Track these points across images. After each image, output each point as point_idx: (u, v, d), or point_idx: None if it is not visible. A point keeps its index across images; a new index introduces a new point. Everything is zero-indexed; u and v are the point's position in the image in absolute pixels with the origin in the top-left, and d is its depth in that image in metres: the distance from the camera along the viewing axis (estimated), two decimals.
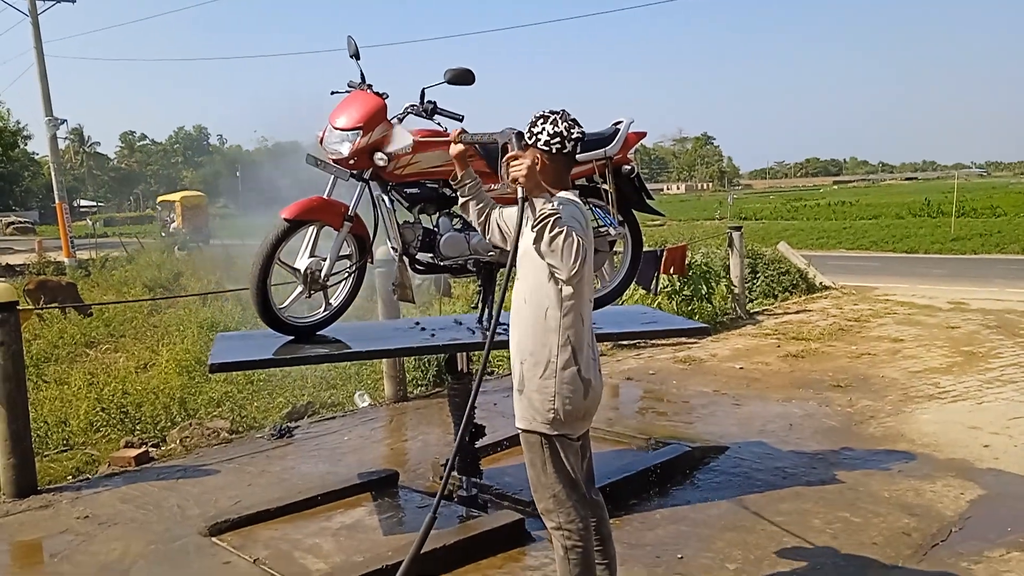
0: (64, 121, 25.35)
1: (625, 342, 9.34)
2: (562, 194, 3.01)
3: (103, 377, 7.90)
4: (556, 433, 3.00)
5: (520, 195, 2.92)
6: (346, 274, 4.44)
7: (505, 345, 3.19)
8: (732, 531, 4.46)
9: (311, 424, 6.85)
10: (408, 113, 4.26)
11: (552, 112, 3.04)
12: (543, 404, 2.98)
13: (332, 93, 4.39)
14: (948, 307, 11.73)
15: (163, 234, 33.77)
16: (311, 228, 4.25)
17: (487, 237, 3.38)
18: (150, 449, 6.14)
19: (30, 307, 11.13)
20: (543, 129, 3.00)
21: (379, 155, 4.14)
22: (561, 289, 2.95)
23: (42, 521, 4.93)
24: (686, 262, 10.81)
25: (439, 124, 4.27)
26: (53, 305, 12.03)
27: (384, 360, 7.45)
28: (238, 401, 7.26)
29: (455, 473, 4.75)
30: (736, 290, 11.62)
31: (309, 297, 4.32)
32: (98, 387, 7.39)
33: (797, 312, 11.88)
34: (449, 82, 4.09)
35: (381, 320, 7.21)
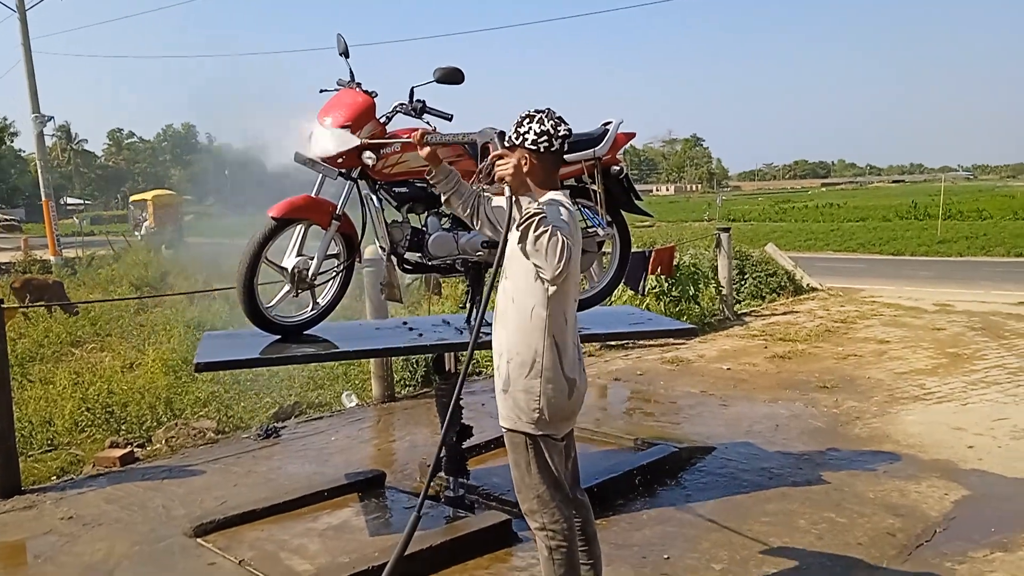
0: (51, 118, 25.14)
1: (613, 343, 9.36)
2: (551, 194, 3.00)
3: (88, 376, 7.85)
4: (540, 433, 3.00)
5: (507, 194, 2.91)
6: (334, 273, 4.43)
7: (491, 345, 3.18)
8: (718, 531, 4.47)
9: (298, 424, 6.83)
10: (397, 112, 4.25)
11: (538, 111, 3.04)
12: (528, 404, 2.98)
13: (321, 91, 4.38)
14: (934, 309, 11.80)
15: (136, 233, 33.68)
16: (299, 227, 4.23)
17: (478, 228, 3.36)
18: (135, 449, 6.10)
19: (15, 305, 11.06)
20: (529, 128, 2.99)
21: (368, 153, 4.13)
22: (547, 289, 2.95)
23: (26, 522, 4.89)
24: (674, 263, 10.84)
25: (428, 123, 4.25)
26: (39, 304, 11.95)
27: (372, 360, 7.43)
28: (224, 401, 7.23)
29: (442, 473, 4.75)
30: (724, 291, 11.65)
31: (296, 296, 4.30)
32: (83, 386, 7.34)
33: (784, 313, 11.92)
34: (438, 81, 4.09)
35: (369, 319, 7.20)
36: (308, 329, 4.48)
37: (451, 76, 4.07)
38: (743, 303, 12.91)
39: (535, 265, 2.88)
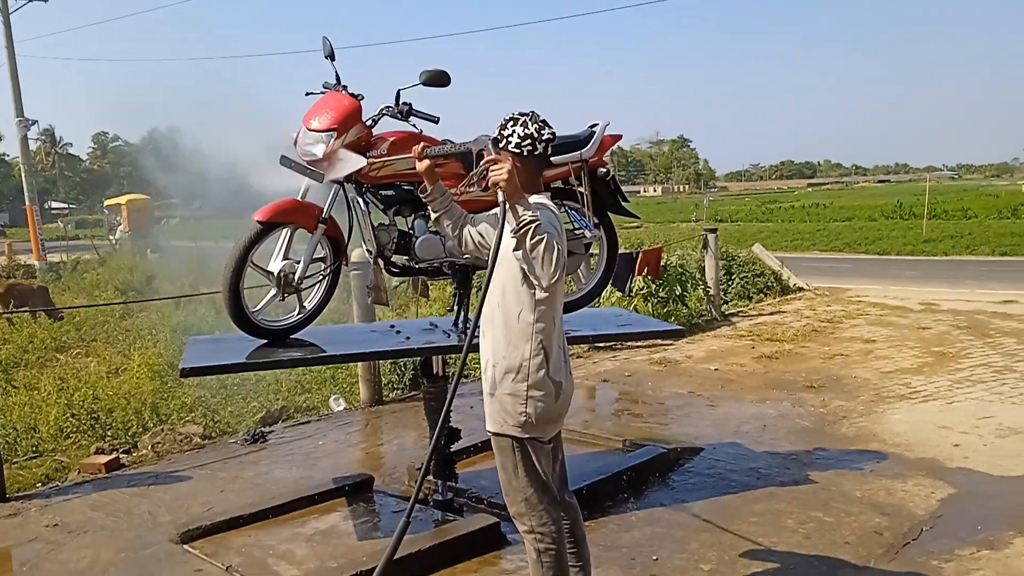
0: (35, 122, 25.04)
1: (601, 344, 9.36)
2: (535, 198, 3.00)
3: (73, 382, 7.79)
4: (527, 436, 3.00)
5: (501, 199, 2.88)
6: (320, 277, 4.41)
7: (470, 347, 3.17)
8: (707, 532, 4.48)
9: (285, 429, 6.80)
10: (383, 115, 4.24)
11: (522, 114, 3.03)
12: (514, 407, 2.98)
13: (307, 94, 4.36)
14: (919, 308, 11.87)
15: (110, 237, 33.62)
16: (285, 230, 4.22)
17: (462, 249, 3.35)
18: (121, 455, 6.07)
19: None
20: (513, 132, 2.99)
21: None
22: (534, 293, 2.95)
23: (11, 529, 4.85)
24: (661, 264, 10.86)
25: (414, 126, 4.25)
26: (23, 309, 11.86)
27: (359, 364, 7.41)
28: (211, 406, 7.19)
29: (430, 477, 4.74)
30: (711, 292, 11.68)
31: (283, 300, 4.28)
32: (68, 392, 7.29)
33: (771, 313, 11.96)
34: (424, 84, 4.08)
35: (356, 323, 7.18)
36: (295, 333, 4.46)
37: (437, 79, 4.06)
38: (730, 303, 12.94)
39: (529, 272, 2.87)
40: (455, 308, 4.81)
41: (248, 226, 4.09)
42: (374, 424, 7.00)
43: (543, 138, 3.01)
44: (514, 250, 2.85)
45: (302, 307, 4.45)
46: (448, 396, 3.02)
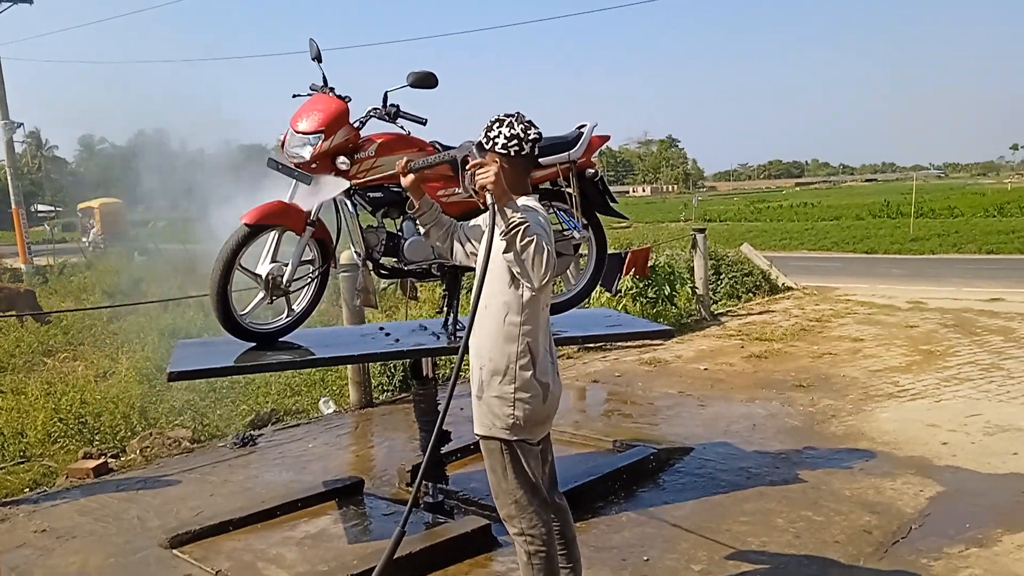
0: (20, 125, 24.89)
1: (591, 345, 9.37)
2: (522, 200, 3.00)
3: (61, 386, 7.74)
4: (516, 439, 2.99)
5: (490, 201, 2.87)
6: (308, 279, 4.40)
7: (467, 350, 3.16)
8: (697, 532, 4.48)
9: (275, 432, 6.78)
10: (371, 116, 4.23)
11: (508, 115, 3.03)
12: (502, 410, 2.97)
13: (294, 96, 4.35)
14: (907, 306, 11.93)
15: (83, 239, 33.59)
16: (272, 233, 4.20)
17: (452, 258, 3.35)
18: (109, 460, 6.03)
19: None
20: (500, 132, 2.99)
21: (341, 159, 4.10)
22: (521, 295, 2.94)
23: None
24: (650, 264, 10.88)
25: (402, 127, 4.25)
26: (10, 313, 11.78)
27: (349, 366, 7.39)
28: (200, 409, 7.16)
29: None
30: (700, 292, 11.71)
31: (271, 303, 4.27)
32: (56, 397, 7.23)
33: (760, 313, 12.00)
34: (412, 85, 4.08)
35: (346, 325, 7.16)
36: (283, 336, 4.45)
37: (425, 80, 4.06)
38: (719, 303, 12.97)
39: (519, 274, 2.86)
40: (444, 310, 4.80)
41: (235, 229, 4.08)
42: (364, 426, 6.98)
43: (529, 138, 3.01)
44: (504, 252, 2.84)
45: (291, 310, 4.44)
46: (447, 398, 2.99)
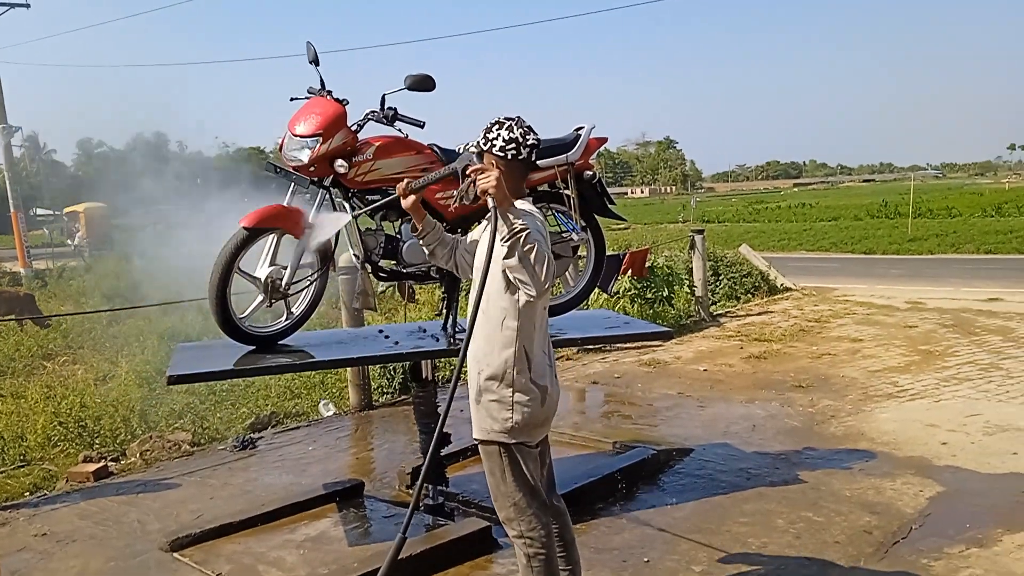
0: (19, 129, 24.87)
1: (590, 346, 9.37)
2: (519, 203, 3.00)
3: (61, 390, 7.73)
4: (514, 441, 3.00)
5: (491, 205, 2.86)
6: (308, 282, 4.40)
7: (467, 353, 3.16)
8: (697, 533, 4.49)
9: (275, 435, 6.78)
10: (369, 119, 4.23)
11: (507, 119, 3.04)
12: (500, 413, 2.98)
13: (291, 99, 4.35)
14: (906, 307, 11.94)
15: (69, 242, 33.73)
16: (271, 236, 4.20)
17: (458, 274, 3.36)
18: (109, 463, 6.03)
19: None
20: (498, 135, 3.00)
21: (339, 162, 4.10)
22: (517, 299, 2.94)
23: None
24: (648, 265, 10.89)
25: (400, 131, 4.25)
26: (9, 317, 11.78)
27: (348, 368, 7.39)
28: (200, 412, 7.16)
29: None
30: (699, 292, 11.71)
31: (270, 306, 4.27)
32: (56, 400, 7.23)
33: (759, 314, 12.01)
34: (409, 88, 4.08)
35: (345, 328, 7.16)
36: (283, 339, 4.45)
37: (422, 83, 4.06)
38: (718, 304, 12.98)
39: (519, 280, 2.86)
40: (443, 312, 4.80)
41: (234, 232, 4.08)
42: (364, 429, 6.98)
43: (528, 143, 3.02)
44: (505, 258, 2.83)
45: (290, 313, 4.44)
46: (447, 403, 3.00)
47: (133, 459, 6.19)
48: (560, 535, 3.21)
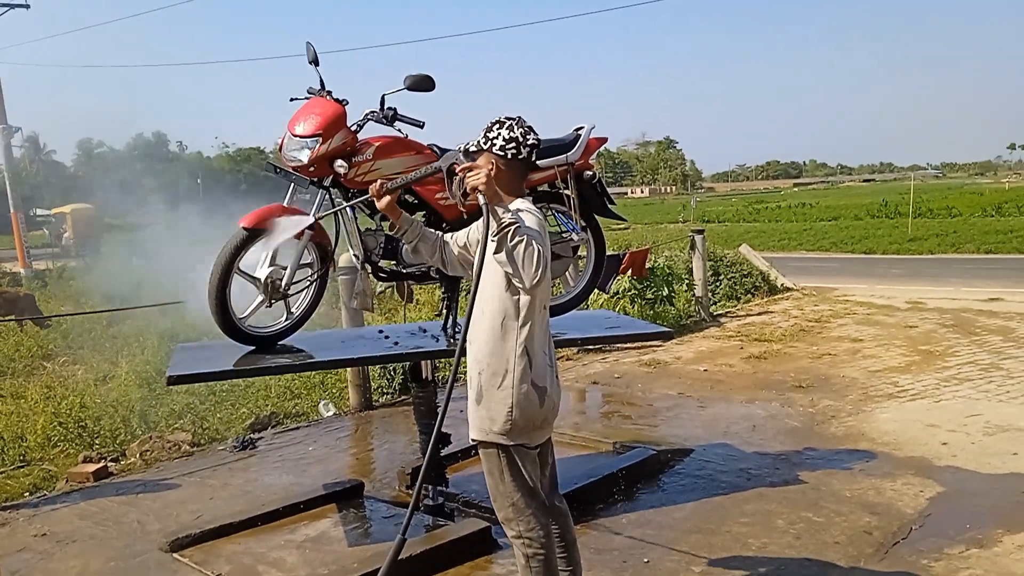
0: (19, 129, 24.88)
1: (591, 346, 9.36)
2: (517, 202, 3.00)
3: (61, 390, 7.73)
4: (513, 443, 2.99)
5: (482, 202, 2.87)
6: (308, 282, 4.40)
7: (462, 352, 3.16)
8: (697, 533, 4.49)
9: (275, 435, 6.77)
10: (368, 120, 4.23)
11: (508, 118, 3.05)
12: (500, 414, 2.97)
13: (291, 100, 4.35)
14: (906, 307, 11.93)
15: (57, 244, 33.91)
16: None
17: (447, 270, 3.34)
18: (109, 464, 6.03)
19: None
20: (499, 134, 3.01)
21: (339, 162, 4.10)
22: (518, 299, 2.94)
23: None
24: (647, 265, 10.88)
25: (400, 131, 4.25)
26: (9, 318, 11.77)
27: (348, 369, 7.39)
28: (200, 413, 7.15)
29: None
30: (699, 293, 11.71)
31: (270, 306, 4.27)
32: (56, 401, 7.22)
33: (759, 314, 12.00)
34: (409, 88, 4.08)
35: (345, 328, 7.16)
36: (283, 339, 4.45)
37: (422, 83, 4.06)
38: (718, 304, 12.97)
39: (510, 276, 2.86)
40: (443, 312, 4.80)
41: (234, 232, 4.08)
42: (364, 429, 6.98)
43: (528, 143, 3.02)
44: (494, 253, 2.84)
45: (290, 313, 4.44)
46: (445, 403, 3.00)
47: (133, 459, 6.18)
48: (561, 536, 3.21)
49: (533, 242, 2.77)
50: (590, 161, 4.65)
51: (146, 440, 6.42)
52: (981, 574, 3.90)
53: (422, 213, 4.44)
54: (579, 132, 4.56)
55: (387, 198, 3.18)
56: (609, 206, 4.81)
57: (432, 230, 3.31)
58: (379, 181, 3.23)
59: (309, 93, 4.29)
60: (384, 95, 4.19)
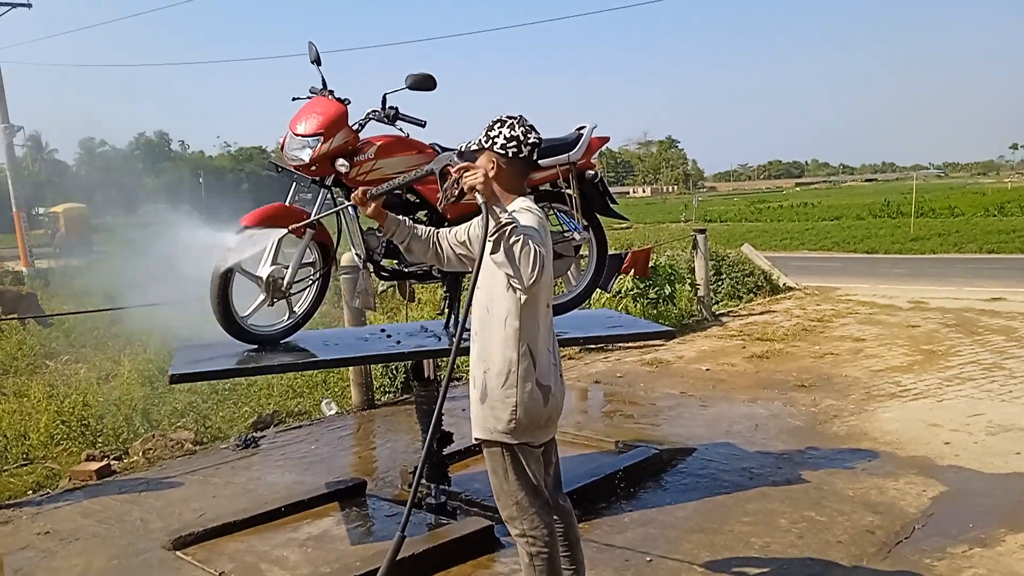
0: (21, 128, 24.91)
1: (592, 345, 9.36)
2: (518, 201, 3.00)
3: (64, 389, 7.73)
4: (517, 442, 2.99)
5: (480, 201, 2.87)
6: (310, 281, 4.40)
7: (468, 352, 3.16)
8: (700, 532, 4.49)
9: (277, 433, 6.78)
10: (370, 119, 4.24)
11: (509, 117, 3.06)
12: (504, 413, 2.97)
13: (293, 99, 4.35)
14: (908, 306, 11.92)
15: (49, 243, 34.14)
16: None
17: (443, 266, 3.33)
18: (112, 462, 6.03)
19: None
20: (500, 133, 3.01)
21: (341, 161, 4.11)
22: (520, 298, 2.94)
23: (2, 537, 4.82)
24: (649, 265, 10.88)
25: (401, 130, 4.25)
26: (12, 316, 11.78)
27: (351, 367, 7.39)
28: (202, 411, 7.16)
29: (423, 480, 4.72)
30: (701, 292, 11.70)
31: (272, 305, 4.27)
32: (58, 399, 7.23)
33: (761, 313, 11.99)
34: (410, 87, 4.08)
35: (347, 327, 7.16)
36: (285, 338, 4.45)
37: (423, 82, 4.06)
38: (720, 303, 12.96)
39: (508, 275, 2.86)
40: (445, 311, 4.81)
41: (236, 232, 4.08)
42: (366, 428, 6.98)
43: (528, 142, 3.02)
44: (491, 253, 2.83)
45: (292, 312, 4.44)
46: (439, 400, 3.00)
47: (136, 458, 6.19)
48: (564, 534, 3.21)
49: (530, 242, 2.76)
50: (592, 160, 4.66)
51: (149, 438, 6.43)
52: (984, 573, 3.90)
53: (423, 212, 4.44)
54: (581, 131, 4.56)
55: (373, 204, 3.18)
56: (611, 205, 4.81)
57: (424, 227, 3.29)
58: (361, 189, 3.23)
59: (311, 92, 4.30)
60: (386, 94, 4.19)
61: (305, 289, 4.42)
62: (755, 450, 5.85)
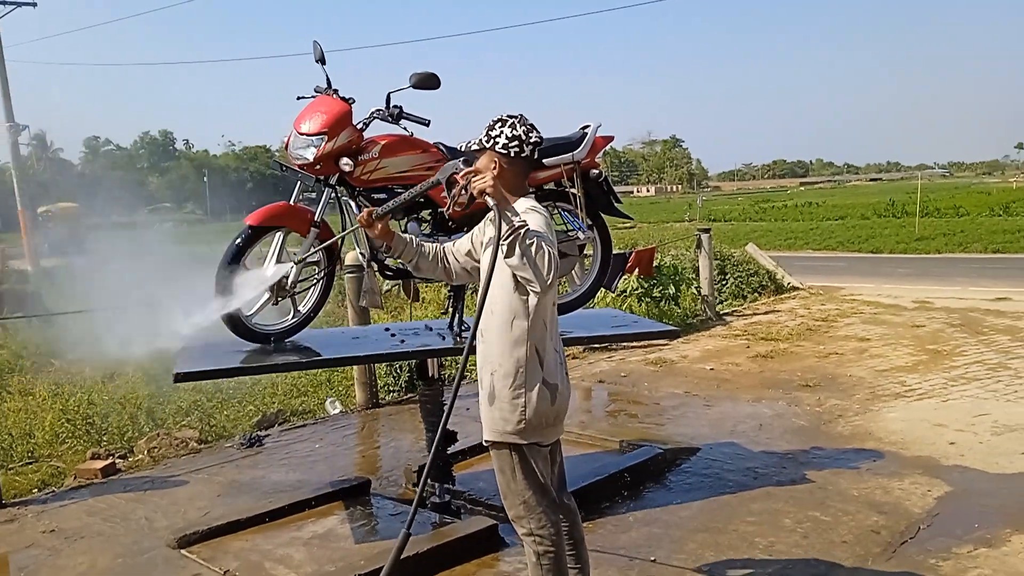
0: (26, 127, 24.96)
1: (596, 345, 9.36)
2: (522, 201, 3.00)
3: (69, 387, 7.76)
4: (526, 442, 2.99)
5: (491, 204, 2.85)
6: (314, 281, 4.40)
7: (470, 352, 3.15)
8: (704, 532, 4.48)
9: (281, 432, 6.79)
10: (374, 118, 4.23)
11: (510, 116, 3.04)
12: (512, 414, 2.96)
13: (298, 98, 4.36)
14: (913, 306, 11.90)
15: (45, 242, 34.42)
16: (277, 234, 4.21)
17: (453, 281, 3.32)
18: (117, 460, 6.05)
19: None
20: (501, 132, 3.00)
21: (345, 160, 4.11)
22: (526, 299, 2.93)
23: (7, 536, 4.83)
24: (654, 264, 10.87)
25: (405, 129, 4.25)
26: (17, 315, 11.81)
27: (355, 367, 7.40)
28: (207, 410, 7.17)
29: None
30: (705, 292, 11.69)
31: (277, 304, 4.27)
32: (64, 398, 7.25)
33: (766, 313, 11.98)
34: (414, 86, 4.08)
35: (351, 326, 7.17)
36: (289, 337, 4.45)
37: (427, 81, 4.06)
38: (725, 303, 12.96)
39: (523, 279, 2.85)
40: (450, 310, 4.81)
41: (240, 230, 4.09)
42: (370, 427, 6.99)
43: (530, 141, 3.02)
44: (506, 257, 2.82)
45: (296, 311, 4.44)
46: (450, 401, 2.99)
47: (141, 456, 6.20)
48: (569, 533, 3.21)
49: (544, 244, 2.77)
50: (596, 159, 4.66)
51: (154, 437, 6.44)
52: (990, 574, 3.89)
53: (428, 212, 4.44)
54: (585, 131, 4.56)
55: (379, 225, 3.15)
56: (615, 205, 4.81)
57: (431, 244, 3.27)
58: (366, 211, 3.18)
59: (316, 91, 4.30)
60: (390, 93, 4.19)
61: (310, 288, 4.42)
62: (759, 450, 5.84)
